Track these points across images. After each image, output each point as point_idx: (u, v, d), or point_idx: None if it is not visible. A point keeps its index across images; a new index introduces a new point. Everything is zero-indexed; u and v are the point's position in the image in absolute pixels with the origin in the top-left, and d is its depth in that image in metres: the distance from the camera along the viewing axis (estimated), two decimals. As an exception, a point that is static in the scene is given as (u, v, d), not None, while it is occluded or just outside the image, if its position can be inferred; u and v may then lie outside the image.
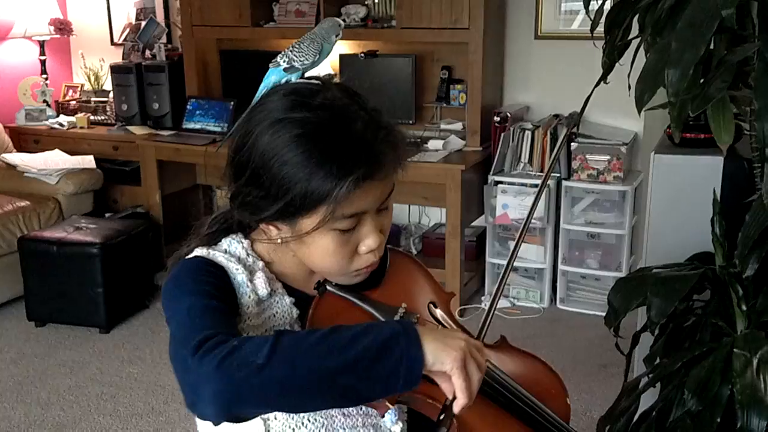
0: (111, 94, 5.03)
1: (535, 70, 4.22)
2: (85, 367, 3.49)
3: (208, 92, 4.74)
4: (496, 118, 3.99)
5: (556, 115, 4.05)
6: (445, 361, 0.92)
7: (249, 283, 1.06)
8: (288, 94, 1.03)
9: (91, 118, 4.99)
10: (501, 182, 3.92)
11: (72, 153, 4.66)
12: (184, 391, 0.91)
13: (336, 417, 1.05)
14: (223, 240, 1.12)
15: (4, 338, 3.79)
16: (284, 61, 1.11)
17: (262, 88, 1.10)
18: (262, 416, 1.03)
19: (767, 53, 1.38)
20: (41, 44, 5.10)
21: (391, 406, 1.01)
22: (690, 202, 2.12)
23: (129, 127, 4.74)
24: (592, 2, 1.89)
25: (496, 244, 4.09)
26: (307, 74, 1.12)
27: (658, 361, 1.83)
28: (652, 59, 1.50)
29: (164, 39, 4.97)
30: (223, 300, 1.01)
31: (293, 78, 1.10)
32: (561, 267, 3.97)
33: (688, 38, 1.37)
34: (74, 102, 5.24)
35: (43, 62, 5.13)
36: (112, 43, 5.29)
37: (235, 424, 0.94)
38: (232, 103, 4.51)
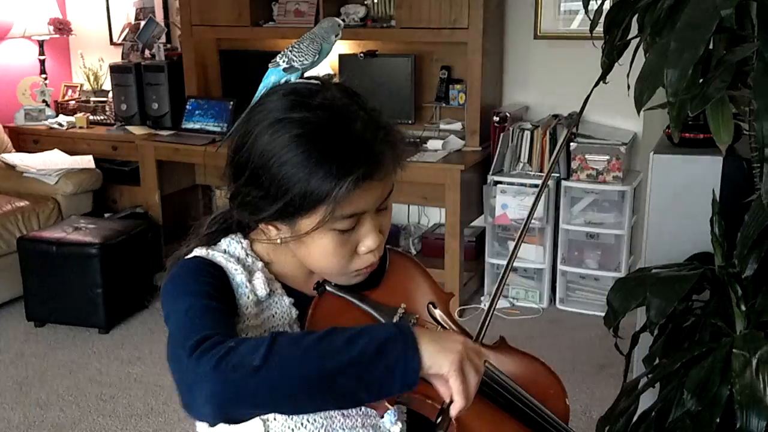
0: (110, 94, 5.02)
1: (535, 70, 4.22)
2: (84, 368, 3.49)
3: (208, 92, 4.74)
4: (496, 118, 3.99)
5: (556, 115, 4.06)
6: (442, 363, 0.92)
7: (248, 284, 1.05)
8: (287, 94, 1.03)
9: (91, 118, 4.99)
10: (500, 182, 3.92)
11: (71, 153, 4.66)
12: (180, 391, 0.90)
13: (335, 417, 1.05)
14: (222, 240, 1.12)
15: (3, 338, 3.79)
16: (284, 61, 1.11)
17: (262, 88, 1.10)
18: (261, 417, 1.03)
19: (766, 53, 1.38)
20: (40, 44, 5.09)
21: (390, 406, 1.01)
22: (689, 202, 2.12)
23: (128, 127, 4.74)
24: (591, 2, 1.89)
25: (495, 244, 4.09)
26: (306, 74, 1.12)
27: (657, 361, 1.83)
28: (651, 59, 1.50)
29: (163, 39, 4.97)
30: (221, 300, 1.01)
31: (293, 78, 1.10)
32: (560, 267, 3.97)
33: (687, 38, 1.37)
34: (73, 102, 5.23)
35: (42, 62, 5.12)
36: (112, 42, 5.29)
37: (231, 425, 0.94)
38: (231, 103, 4.51)
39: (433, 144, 4.06)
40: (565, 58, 4.05)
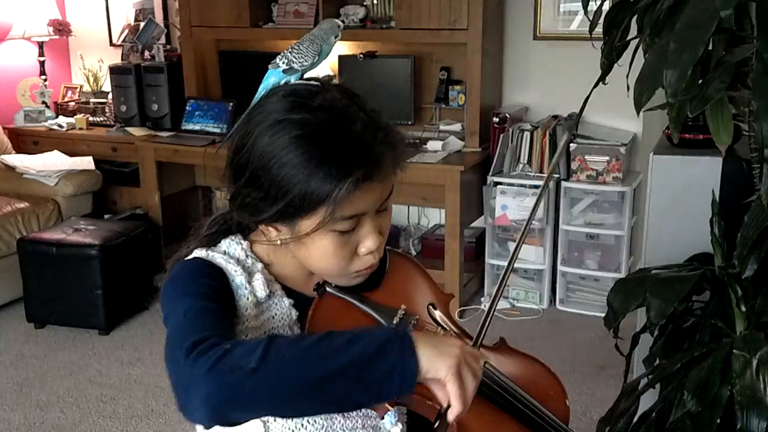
0: (110, 95, 5.02)
1: (534, 70, 4.22)
2: (84, 369, 3.49)
3: (207, 93, 4.74)
4: (495, 119, 3.99)
5: (555, 116, 4.06)
6: (439, 368, 0.91)
7: (247, 285, 1.05)
8: (287, 95, 1.03)
9: (90, 119, 4.98)
10: (500, 183, 3.93)
11: (71, 154, 4.66)
12: (176, 393, 0.90)
13: (335, 418, 1.05)
14: (222, 241, 1.12)
15: (3, 340, 3.79)
16: (283, 63, 1.11)
17: (262, 90, 1.10)
18: (261, 418, 1.02)
19: (765, 54, 1.38)
20: (40, 45, 5.09)
21: (390, 407, 1.01)
22: (689, 203, 2.12)
23: (128, 128, 4.74)
24: (590, 3, 1.89)
25: (495, 245, 4.09)
26: (306, 75, 1.12)
27: (657, 362, 1.83)
28: (651, 60, 1.50)
29: (163, 40, 4.97)
30: (220, 302, 1.01)
31: (292, 79, 1.10)
32: (560, 268, 3.97)
33: (686, 39, 1.38)
34: (73, 103, 5.23)
35: (42, 63, 5.13)
36: (111, 44, 5.29)
37: (227, 428, 0.94)
38: (231, 104, 4.51)
39: (433, 145, 4.06)
40: (564, 58, 4.05)
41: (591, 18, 1.89)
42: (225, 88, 4.71)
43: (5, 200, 4.24)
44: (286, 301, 1.09)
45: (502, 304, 3.99)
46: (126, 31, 5.17)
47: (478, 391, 0.96)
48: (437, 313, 1.16)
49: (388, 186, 1.04)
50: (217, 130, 4.46)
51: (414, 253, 4.38)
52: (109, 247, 3.82)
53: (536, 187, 3.86)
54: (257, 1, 4.40)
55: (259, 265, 1.09)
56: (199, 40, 4.63)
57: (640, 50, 1.81)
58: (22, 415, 3.11)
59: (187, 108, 4.60)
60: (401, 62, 4.18)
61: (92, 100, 5.17)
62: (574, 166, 3.82)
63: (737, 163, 2.06)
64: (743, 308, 1.71)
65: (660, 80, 1.39)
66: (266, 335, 0.94)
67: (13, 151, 4.80)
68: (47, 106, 5.10)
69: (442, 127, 4.24)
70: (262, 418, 1.03)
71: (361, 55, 4.20)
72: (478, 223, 4.21)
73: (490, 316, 1.12)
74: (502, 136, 3.94)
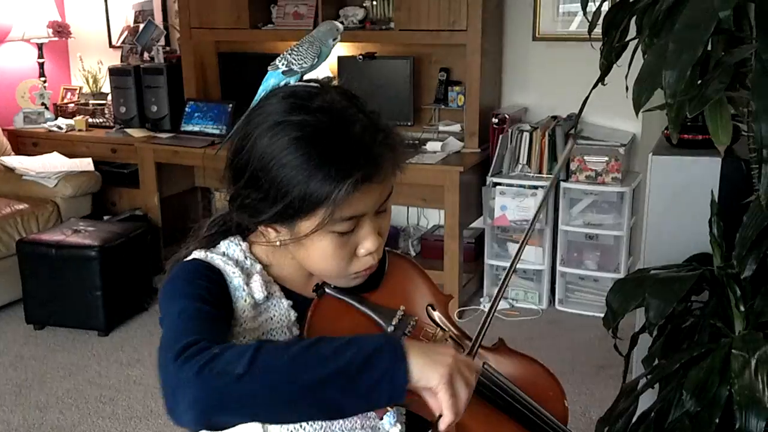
0: (109, 97, 5.03)
1: (533, 71, 4.22)
2: (83, 370, 3.49)
3: (207, 94, 4.74)
4: (495, 120, 4.00)
5: (554, 117, 4.06)
6: (431, 377, 0.91)
7: (245, 287, 1.05)
8: (287, 97, 1.03)
9: (90, 120, 4.99)
10: (499, 184, 3.93)
11: (70, 156, 4.66)
12: (165, 395, 0.90)
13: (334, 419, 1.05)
14: (221, 242, 1.12)
15: (3, 341, 3.79)
16: (283, 64, 1.11)
17: (261, 91, 1.10)
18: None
19: (764, 54, 1.38)
20: (39, 47, 5.09)
21: (389, 408, 1.01)
22: (688, 204, 2.12)
23: (127, 130, 4.74)
24: (589, 3, 1.89)
25: (494, 246, 4.09)
26: (305, 77, 1.12)
27: (656, 362, 1.83)
28: (650, 60, 1.51)
29: (162, 41, 4.97)
30: (216, 305, 1.01)
31: (292, 81, 1.10)
32: (559, 268, 3.97)
33: (685, 39, 1.38)
34: (72, 105, 5.24)
35: (41, 65, 5.13)
36: (111, 45, 5.30)
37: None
38: (230, 105, 4.51)
39: (432, 146, 4.06)
40: (563, 59, 4.05)
41: (590, 19, 1.90)
42: (224, 90, 4.71)
43: (5, 202, 4.24)
44: (285, 302, 1.09)
45: (501, 305, 3.99)
46: (125, 33, 5.17)
47: (477, 392, 0.96)
48: (436, 314, 1.16)
49: (387, 187, 1.04)
50: (217, 132, 4.46)
51: (413, 253, 4.38)
52: (109, 248, 3.82)
53: (535, 187, 3.87)
54: (256, 3, 4.41)
55: (258, 267, 1.09)
56: (199, 42, 4.64)
57: (639, 51, 1.81)
58: (21, 416, 3.11)
59: (187, 109, 4.61)
60: (400, 63, 4.19)
61: (92, 101, 5.17)
62: (573, 166, 3.82)
63: (736, 164, 2.06)
64: (742, 308, 1.71)
65: (659, 81, 1.39)
66: (257, 340, 0.94)
67: (13, 153, 4.80)
68: (47, 108, 5.10)
69: (441, 128, 4.25)
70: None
71: (361, 57, 4.20)
72: (477, 223, 4.21)
73: (490, 317, 1.12)
74: (501, 136, 3.95)
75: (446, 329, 1.15)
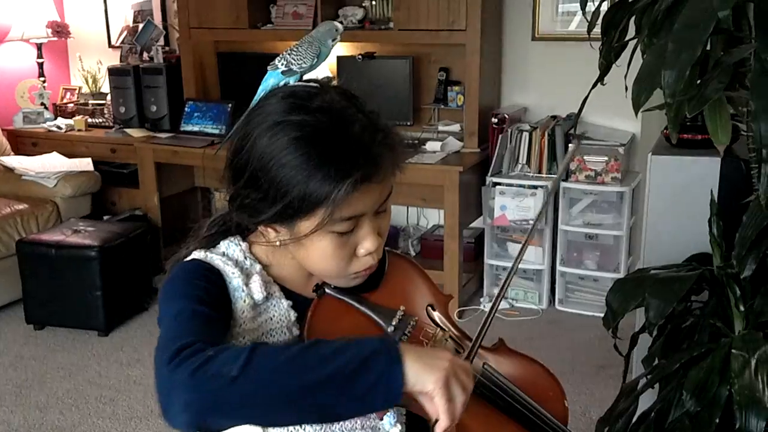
0: (109, 97, 5.02)
1: (533, 71, 4.22)
2: (83, 370, 3.49)
3: (206, 94, 4.74)
4: (494, 120, 4.00)
5: (554, 117, 4.06)
6: (426, 381, 0.90)
7: (245, 288, 1.05)
8: (286, 97, 1.03)
9: (89, 120, 4.99)
10: (499, 184, 3.93)
11: (70, 156, 4.66)
12: (159, 397, 0.90)
13: (334, 419, 1.05)
14: (221, 242, 1.12)
15: (3, 341, 3.79)
16: (282, 64, 1.11)
17: (261, 91, 1.10)
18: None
19: (763, 54, 1.38)
20: (39, 47, 5.09)
21: (389, 408, 1.01)
22: (687, 203, 2.12)
23: (127, 130, 4.74)
24: (588, 3, 1.89)
25: (494, 246, 4.09)
26: (305, 77, 1.12)
27: (656, 362, 1.83)
28: (649, 60, 1.51)
29: (162, 41, 4.97)
30: (214, 306, 1.01)
31: (291, 81, 1.10)
32: (559, 268, 3.97)
33: (684, 39, 1.38)
34: (72, 104, 5.23)
35: (40, 65, 5.12)
36: (110, 45, 5.29)
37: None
38: (229, 105, 4.51)
39: (432, 146, 4.06)
40: (563, 59, 4.05)
41: (589, 19, 1.90)
42: (224, 90, 4.71)
43: (4, 202, 4.24)
44: (285, 303, 1.09)
45: (501, 305, 3.99)
46: (125, 33, 5.17)
47: (477, 392, 0.96)
48: (436, 314, 1.16)
49: (386, 187, 1.04)
50: (216, 132, 4.46)
51: (413, 253, 4.38)
52: (109, 248, 3.81)
53: (535, 187, 3.87)
54: (256, 3, 4.41)
55: (258, 267, 1.09)
56: (198, 42, 4.64)
57: (639, 51, 1.81)
58: (22, 417, 3.11)
59: (186, 109, 4.60)
60: (400, 63, 4.19)
61: (91, 101, 5.17)
62: (573, 166, 3.82)
63: (735, 163, 2.06)
64: (742, 308, 1.71)
65: (658, 80, 1.39)
66: (254, 341, 0.94)
67: (12, 153, 4.80)
68: (46, 108, 5.10)
69: (440, 128, 4.24)
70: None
71: (360, 56, 4.20)
72: (477, 223, 4.21)
73: (490, 318, 1.12)
74: (500, 136, 3.95)
75: (446, 329, 1.15)
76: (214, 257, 1.07)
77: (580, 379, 3.25)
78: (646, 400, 1.83)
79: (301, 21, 4.27)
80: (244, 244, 1.11)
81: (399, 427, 1.05)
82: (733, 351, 1.59)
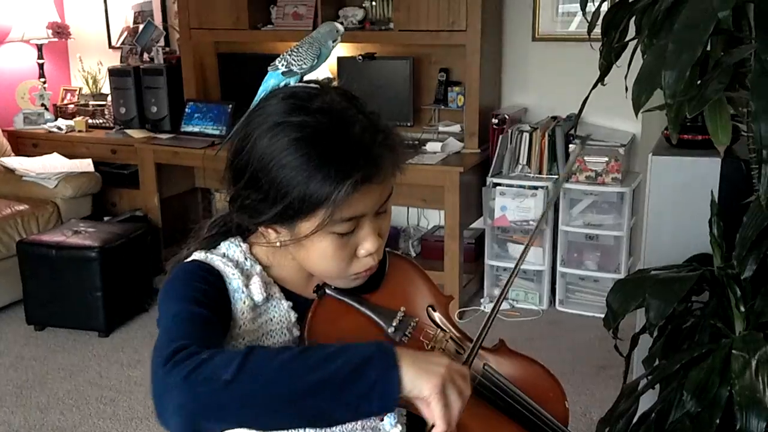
0: (109, 98, 5.02)
1: (533, 72, 4.22)
2: (84, 371, 3.49)
3: (206, 95, 4.74)
4: (494, 120, 4.00)
5: (554, 117, 4.06)
6: (423, 387, 0.90)
7: (244, 289, 1.05)
8: (286, 97, 1.03)
9: (89, 121, 4.99)
10: (499, 184, 3.93)
11: (70, 156, 4.66)
12: (153, 399, 0.90)
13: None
14: (221, 243, 1.12)
15: (3, 342, 3.79)
16: (283, 65, 1.11)
17: (261, 92, 1.10)
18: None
19: (764, 55, 1.38)
20: (39, 48, 5.09)
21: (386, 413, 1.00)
22: (688, 204, 2.12)
23: (127, 131, 4.74)
24: (589, 4, 1.89)
25: (494, 246, 4.09)
26: (305, 78, 1.12)
27: (657, 362, 1.83)
28: (649, 61, 1.51)
29: (162, 42, 4.98)
30: (211, 308, 1.00)
31: (292, 82, 1.10)
32: (560, 269, 3.97)
33: (684, 40, 1.38)
34: (72, 105, 5.24)
35: (41, 66, 5.13)
36: (110, 46, 5.30)
37: None
38: (230, 106, 4.51)
39: (432, 146, 4.06)
40: (563, 59, 4.05)
41: (589, 19, 1.89)
42: (224, 91, 4.71)
43: (5, 203, 4.24)
44: (285, 304, 1.09)
45: (501, 305, 3.98)
46: (125, 34, 5.17)
47: (478, 393, 0.95)
48: (437, 315, 1.16)
49: (387, 188, 1.04)
50: (217, 132, 4.46)
51: (413, 254, 4.38)
52: (109, 249, 3.81)
53: (535, 188, 3.87)
54: (256, 3, 4.41)
55: (258, 268, 1.09)
56: (198, 43, 4.64)
57: (639, 51, 1.81)
58: (22, 417, 3.11)
59: (187, 110, 4.61)
60: (400, 64, 4.19)
61: (91, 102, 5.17)
62: (573, 166, 3.82)
63: (736, 164, 2.06)
64: (742, 309, 1.71)
65: (658, 81, 1.39)
66: (250, 344, 0.93)
67: (13, 154, 4.80)
68: (46, 109, 5.10)
69: (441, 129, 4.25)
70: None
71: (360, 57, 4.20)
72: (477, 224, 4.21)
73: (491, 319, 1.12)
74: (501, 137, 3.95)
75: (447, 330, 1.15)
76: (214, 258, 1.07)
77: (581, 379, 3.25)
78: (646, 401, 1.83)
79: (302, 22, 4.27)
80: (244, 245, 1.11)
81: (399, 427, 1.05)
82: (733, 352, 1.59)
